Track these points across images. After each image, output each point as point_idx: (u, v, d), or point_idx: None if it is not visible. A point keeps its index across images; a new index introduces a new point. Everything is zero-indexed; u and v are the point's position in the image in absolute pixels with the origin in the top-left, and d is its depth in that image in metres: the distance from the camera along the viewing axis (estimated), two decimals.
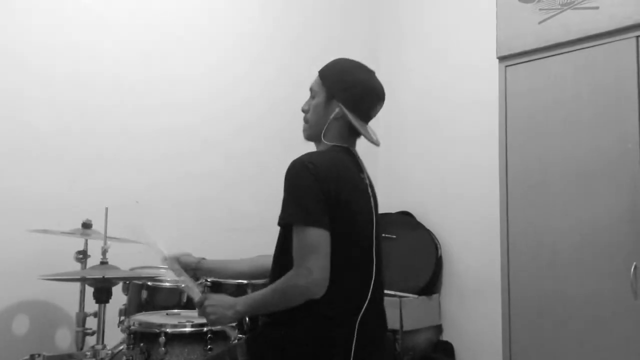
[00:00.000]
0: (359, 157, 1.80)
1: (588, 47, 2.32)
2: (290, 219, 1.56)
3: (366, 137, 1.76)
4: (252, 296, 1.63)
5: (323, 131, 1.74)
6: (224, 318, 1.58)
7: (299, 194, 1.56)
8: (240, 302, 1.58)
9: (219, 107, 3.32)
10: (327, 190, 1.56)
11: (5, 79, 2.65)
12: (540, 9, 2.45)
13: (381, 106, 1.79)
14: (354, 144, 1.80)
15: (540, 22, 2.44)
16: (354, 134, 1.78)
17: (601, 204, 2.23)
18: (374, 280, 1.64)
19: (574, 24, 2.34)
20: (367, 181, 1.75)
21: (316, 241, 1.51)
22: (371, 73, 1.79)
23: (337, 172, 1.61)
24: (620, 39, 2.23)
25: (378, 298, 1.69)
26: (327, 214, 1.54)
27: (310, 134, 1.79)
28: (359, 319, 1.57)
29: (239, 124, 3.35)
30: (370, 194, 1.74)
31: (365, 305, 1.58)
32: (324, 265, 1.51)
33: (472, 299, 3.36)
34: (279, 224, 1.60)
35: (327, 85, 1.75)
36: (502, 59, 2.58)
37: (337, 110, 1.72)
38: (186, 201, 3.12)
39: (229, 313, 1.57)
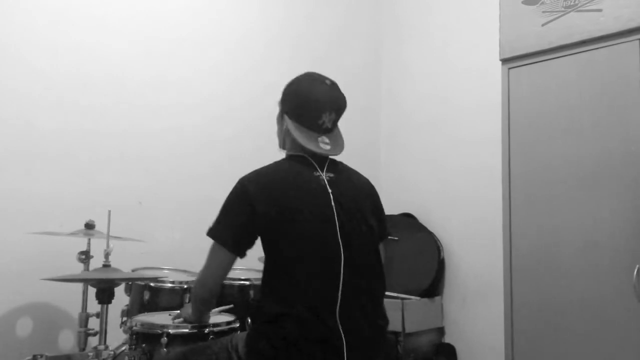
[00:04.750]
0: (324, 160, 1.87)
1: (592, 50, 2.31)
2: (210, 233, 1.78)
3: (303, 145, 1.83)
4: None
5: (281, 143, 1.97)
6: (186, 314, 2.02)
7: (223, 212, 1.78)
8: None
9: (221, 107, 3.32)
10: (257, 206, 1.71)
11: (10, 79, 2.66)
12: (543, 12, 2.44)
13: (329, 113, 1.84)
14: (311, 150, 1.86)
15: (543, 25, 2.44)
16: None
17: (605, 206, 2.23)
18: (345, 278, 1.68)
19: (578, 26, 2.33)
20: (327, 178, 1.80)
21: (215, 257, 1.78)
22: (317, 82, 1.87)
23: (274, 186, 1.75)
24: (624, 41, 2.22)
25: (354, 295, 1.70)
26: (242, 235, 1.75)
27: (279, 144, 2.00)
28: (337, 318, 1.64)
29: (242, 124, 3.35)
30: (331, 190, 1.77)
31: (339, 303, 1.65)
32: (211, 275, 1.80)
33: (475, 301, 3.36)
34: (206, 233, 1.79)
35: (280, 100, 1.93)
36: (505, 61, 2.57)
37: (285, 123, 1.89)
38: (189, 201, 3.13)
39: (189, 311, 2.00)
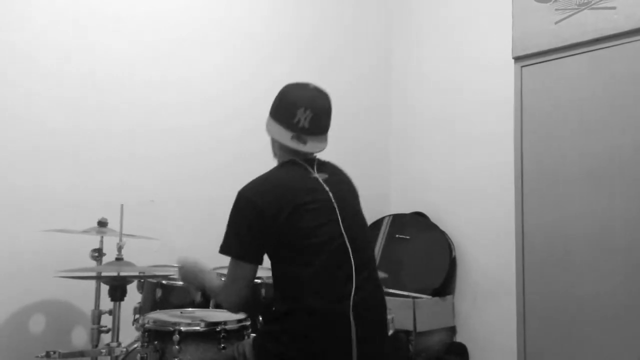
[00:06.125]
0: (312, 161, 1.88)
1: (604, 48, 2.30)
2: (223, 250, 1.78)
3: (280, 141, 1.85)
4: (210, 286, 1.94)
5: (273, 150, 1.96)
6: (189, 284, 2.06)
7: (233, 228, 1.78)
8: (206, 285, 1.95)
9: (228, 107, 3.33)
10: (266, 212, 1.72)
11: (20, 80, 2.67)
12: (556, 9, 2.43)
13: (305, 110, 1.82)
14: (300, 153, 1.87)
15: (556, 22, 2.42)
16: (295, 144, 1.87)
17: (616, 203, 2.21)
18: (356, 270, 1.72)
19: (591, 24, 2.32)
20: (323, 179, 1.83)
21: (236, 272, 1.78)
22: (300, 86, 1.91)
23: (278, 190, 1.77)
24: (637, 40, 2.20)
25: (365, 286, 1.74)
26: (256, 244, 1.75)
27: (273, 154, 1.98)
28: (351, 311, 1.66)
29: (248, 123, 3.35)
30: (328, 189, 1.81)
31: (352, 296, 1.68)
32: (238, 291, 1.79)
33: (487, 300, 3.34)
34: (219, 251, 1.79)
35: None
36: (517, 59, 2.56)
37: (268, 125, 1.91)
38: (197, 200, 3.14)
39: (195, 283, 2.01)
